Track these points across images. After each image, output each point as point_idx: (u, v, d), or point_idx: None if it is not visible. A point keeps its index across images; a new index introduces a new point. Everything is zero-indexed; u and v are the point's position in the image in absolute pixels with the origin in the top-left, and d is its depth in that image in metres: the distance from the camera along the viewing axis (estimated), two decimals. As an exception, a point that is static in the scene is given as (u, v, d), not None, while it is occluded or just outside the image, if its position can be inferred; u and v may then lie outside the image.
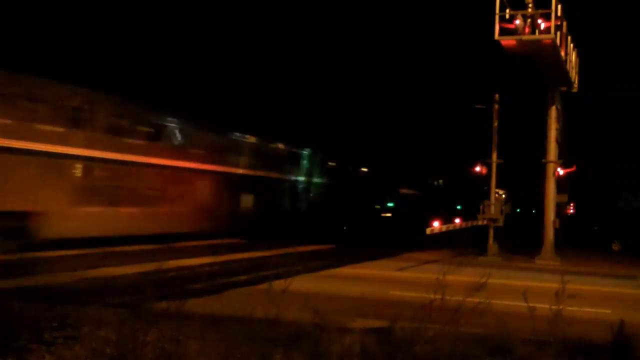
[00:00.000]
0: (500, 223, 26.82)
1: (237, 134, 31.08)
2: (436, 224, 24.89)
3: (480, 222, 27.09)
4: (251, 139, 31.94)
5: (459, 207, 52.52)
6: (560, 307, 7.01)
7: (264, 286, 13.49)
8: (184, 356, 6.63)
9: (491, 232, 26.68)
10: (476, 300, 7.43)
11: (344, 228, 39.58)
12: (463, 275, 7.50)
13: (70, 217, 20.16)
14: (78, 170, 20.56)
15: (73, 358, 6.68)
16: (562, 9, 21.79)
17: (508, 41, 21.19)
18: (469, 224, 27.95)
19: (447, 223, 26.66)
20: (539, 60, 22.78)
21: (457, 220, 28.71)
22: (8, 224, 18.20)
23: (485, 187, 28.43)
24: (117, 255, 19.12)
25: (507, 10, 20.98)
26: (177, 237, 24.71)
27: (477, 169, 32.07)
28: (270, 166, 33.26)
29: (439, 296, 7.05)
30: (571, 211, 41.27)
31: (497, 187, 27.90)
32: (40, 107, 19.34)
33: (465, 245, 27.49)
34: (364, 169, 47.13)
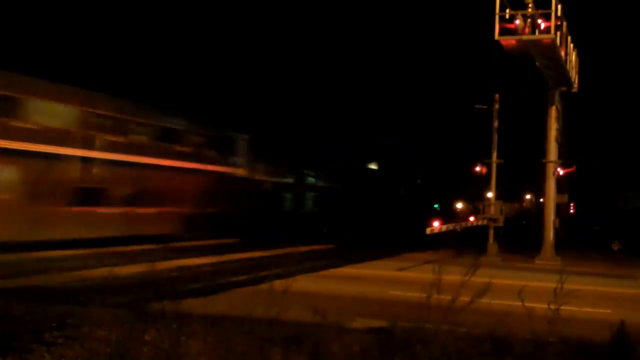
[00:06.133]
0: (500, 223, 26.82)
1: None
2: (436, 224, 24.89)
3: (480, 222, 27.10)
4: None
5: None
6: (558, 306, 7.00)
7: (264, 286, 13.50)
8: (184, 356, 6.63)
9: (491, 232, 26.67)
10: (476, 300, 7.42)
11: (344, 228, 39.58)
12: (462, 275, 7.48)
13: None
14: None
15: (73, 358, 6.68)
16: (562, 9, 21.81)
17: (508, 41, 21.21)
18: (470, 224, 27.95)
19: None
20: (539, 60, 22.79)
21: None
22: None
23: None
24: (116, 255, 19.13)
25: (507, 10, 21.00)
26: (177, 237, 24.77)
27: (477, 168, 32.08)
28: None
29: (438, 296, 7.05)
30: (571, 211, 41.25)
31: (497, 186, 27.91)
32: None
33: (452, 245, 27.52)
34: (368, 168, 47.14)
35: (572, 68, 25.78)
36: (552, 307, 7.00)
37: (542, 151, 25.98)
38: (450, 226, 26.36)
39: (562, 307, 7.21)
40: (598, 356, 7.51)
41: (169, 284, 13.44)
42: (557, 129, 25.71)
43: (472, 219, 29.29)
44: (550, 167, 25.66)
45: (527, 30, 21.05)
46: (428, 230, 23.79)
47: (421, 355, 6.68)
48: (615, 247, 32.53)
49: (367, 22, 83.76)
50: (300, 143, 37.74)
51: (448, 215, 43.16)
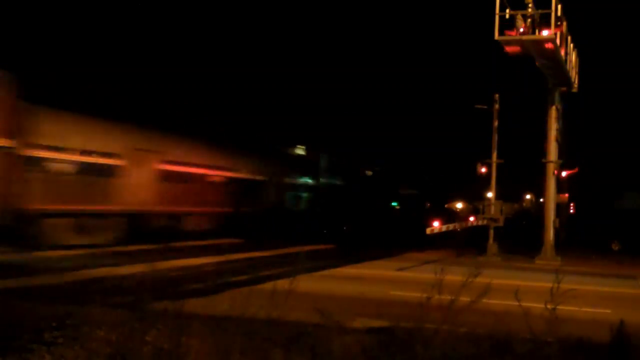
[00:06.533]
0: (500, 223, 26.82)
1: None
2: (436, 224, 24.89)
3: (480, 222, 27.10)
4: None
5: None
6: (555, 305, 7.01)
7: (264, 286, 13.50)
8: (184, 356, 6.63)
9: (491, 232, 26.67)
10: (475, 300, 7.43)
11: (344, 228, 39.54)
12: (463, 275, 7.49)
13: None
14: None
15: (73, 358, 6.68)
16: (562, 9, 21.80)
17: (508, 41, 21.20)
18: (470, 224, 27.97)
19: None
20: (539, 60, 22.79)
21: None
22: None
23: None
24: (117, 255, 19.13)
25: (507, 10, 20.99)
26: (177, 237, 24.76)
27: (477, 168, 32.06)
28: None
29: (438, 296, 7.05)
30: (571, 211, 41.25)
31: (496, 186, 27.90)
32: None
33: (453, 245, 27.53)
34: (368, 169, 47.05)
35: (572, 68, 25.77)
36: (549, 306, 7.01)
37: (542, 151, 25.98)
38: (451, 226, 26.36)
39: (562, 307, 7.22)
40: (598, 356, 7.50)
41: (169, 284, 13.46)
42: (557, 129, 25.71)
43: (472, 219, 29.30)
44: (550, 167, 25.66)
45: (527, 30, 21.04)
46: (428, 231, 23.80)
47: (421, 355, 6.68)
48: (615, 247, 32.53)
49: (367, 22, 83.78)
50: (299, 142, 37.53)
51: (447, 215, 43.16)
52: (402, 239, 31.50)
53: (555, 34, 21.13)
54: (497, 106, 27.73)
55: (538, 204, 53.20)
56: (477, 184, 38.37)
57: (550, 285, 7.31)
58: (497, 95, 27.95)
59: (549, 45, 21.23)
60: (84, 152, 21.90)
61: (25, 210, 19.67)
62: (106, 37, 49.00)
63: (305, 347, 7.03)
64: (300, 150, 37.47)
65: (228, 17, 66.52)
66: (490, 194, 28.05)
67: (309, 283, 14.51)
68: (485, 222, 26.84)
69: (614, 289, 17.56)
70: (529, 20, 21.06)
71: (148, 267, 12.62)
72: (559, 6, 21.43)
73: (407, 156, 55.64)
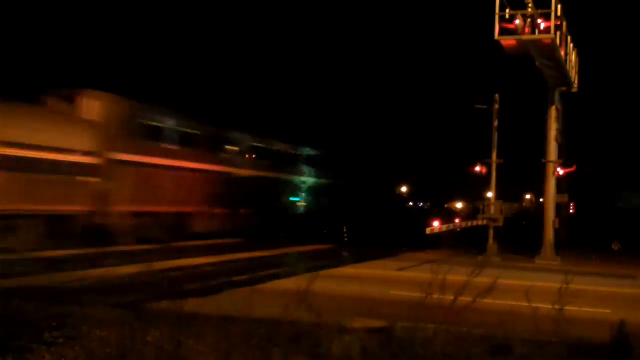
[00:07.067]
0: (500, 223, 26.80)
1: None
2: (436, 224, 24.87)
3: (480, 222, 27.08)
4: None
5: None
6: (563, 306, 7.01)
7: (264, 286, 13.49)
8: (184, 356, 6.63)
9: (491, 232, 26.66)
10: (475, 299, 7.43)
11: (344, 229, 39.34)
12: (463, 275, 7.49)
13: None
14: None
15: (73, 358, 6.68)
16: (562, 9, 21.79)
17: (508, 41, 21.19)
18: (470, 223, 27.95)
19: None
20: (539, 60, 22.78)
21: (457, 221, 28.76)
22: None
23: None
24: (117, 255, 19.12)
25: (507, 10, 20.98)
26: (178, 237, 24.73)
27: (477, 168, 32.04)
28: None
29: (439, 296, 7.05)
30: (571, 211, 41.26)
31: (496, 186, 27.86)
32: None
33: (454, 244, 27.50)
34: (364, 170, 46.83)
35: (572, 68, 25.75)
36: (556, 307, 7.01)
37: (542, 151, 25.97)
38: (451, 226, 26.33)
39: (563, 307, 7.22)
40: (598, 356, 7.50)
41: (169, 284, 13.46)
42: (557, 129, 25.68)
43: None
44: (550, 167, 25.65)
45: (527, 30, 21.02)
46: (428, 230, 23.76)
47: (421, 355, 6.68)
48: (615, 247, 32.53)
49: (367, 23, 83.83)
50: (299, 142, 37.28)
51: (447, 215, 43.15)
52: (401, 239, 31.45)
53: (556, 33, 21.12)
54: (497, 106, 27.69)
55: (538, 204, 53.19)
56: (477, 184, 38.34)
57: (550, 285, 7.32)
58: (497, 95, 27.92)
59: (548, 45, 21.23)
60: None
61: None
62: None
63: (305, 347, 7.03)
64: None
65: (227, 17, 66.55)
66: (490, 194, 28.02)
67: (309, 283, 14.50)
68: (485, 222, 26.82)
69: (614, 289, 17.55)
70: (529, 20, 21.04)
71: (148, 267, 12.64)
72: (559, 6, 21.41)
73: (407, 156, 55.62)
